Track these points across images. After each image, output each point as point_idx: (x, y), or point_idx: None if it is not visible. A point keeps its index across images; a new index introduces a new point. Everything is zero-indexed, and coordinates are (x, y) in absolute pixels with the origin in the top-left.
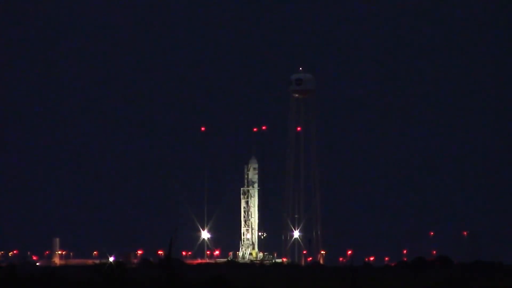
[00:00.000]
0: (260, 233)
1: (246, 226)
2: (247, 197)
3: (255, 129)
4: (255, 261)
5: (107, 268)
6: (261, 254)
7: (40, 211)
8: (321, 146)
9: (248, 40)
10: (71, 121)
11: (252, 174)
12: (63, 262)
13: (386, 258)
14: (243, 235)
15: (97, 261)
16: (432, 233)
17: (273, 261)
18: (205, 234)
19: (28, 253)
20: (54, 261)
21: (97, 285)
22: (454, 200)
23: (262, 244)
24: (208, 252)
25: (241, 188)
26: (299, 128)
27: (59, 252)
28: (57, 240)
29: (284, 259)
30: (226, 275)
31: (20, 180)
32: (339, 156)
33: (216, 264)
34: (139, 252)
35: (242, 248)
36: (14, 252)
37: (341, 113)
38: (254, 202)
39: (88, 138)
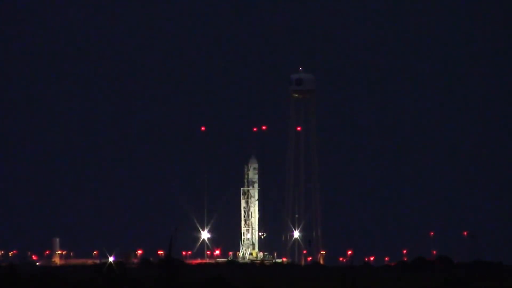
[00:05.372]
0: (260, 233)
1: (246, 226)
2: (247, 197)
3: (255, 129)
4: (255, 261)
5: (107, 268)
6: (261, 254)
7: (40, 211)
8: (321, 146)
9: (248, 40)
10: (71, 121)
11: (252, 174)
12: (63, 262)
13: (386, 258)
14: (243, 235)
15: (97, 261)
16: (432, 233)
17: (273, 261)
18: (205, 234)
19: (28, 253)
20: (54, 261)
21: (97, 285)
22: (454, 200)
23: (262, 244)
24: (208, 252)
25: (241, 188)
26: (299, 128)
27: (59, 252)
28: (57, 240)
29: (284, 259)
30: (226, 275)
31: (20, 180)
32: (339, 156)
33: (216, 264)
34: (139, 252)
35: (242, 248)
36: (14, 252)
37: (341, 113)
38: (254, 202)
39: (88, 138)
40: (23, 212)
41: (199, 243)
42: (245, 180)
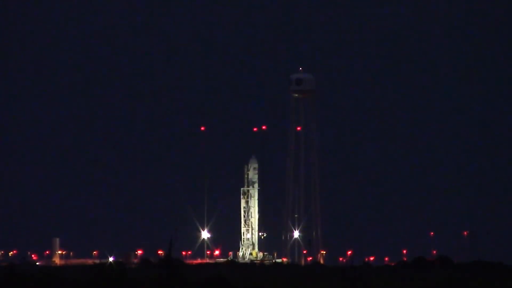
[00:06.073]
0: (260, 233)
1: (246, 226)
2: (247, 197)
3: (255, 129)
4: (255, 261)
5: (107, 268)
6: (261, 254)
7: (40, 211)
8: (321, 146)
9: (248, 40)
10: (71, 121)
11: (252, 174)
12: (63, 262)
13: (386, 258)
14: (243, 235)
15: (97, 261)
16: (432, 233)
17: (273, 261)
18: (205, 234)
19: (28, 253)
20: (54, 261)
21: (97, 285)
22: (454, 200)
23: (262, 244)
24: (208, 252)
25: (241, 188)
26: (299, 128)
27: (59, 252)
28: (57, 240)
29: (284, 259)
30: (226, 275)
31: (20, 180)
32: (339, 156)
33: (216, 263)
34: (139, 252)
35: (242, 248)
36: (14, 252)
37: (341, 113)
38: (254, 202)
39: (88, 138)
40: (23, 212)
41: (199, 243)
42: (245, 180)
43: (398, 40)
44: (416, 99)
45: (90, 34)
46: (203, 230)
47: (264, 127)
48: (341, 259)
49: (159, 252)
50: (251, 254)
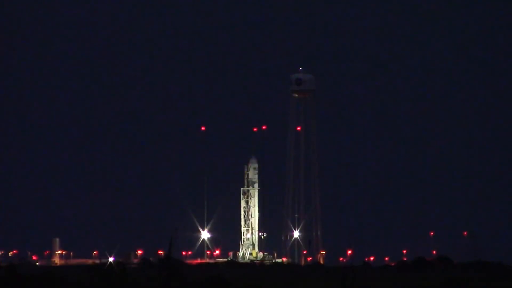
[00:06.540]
0: (260, 233)
1: (246, 226)
2: (247, 197)
3: (255, 129)
4: (255, 261)
5: (107, 268)
6: (261, 254)
7: (40, 211)
8: (321, 146)
9: (248, 40)
10: (71, 121)
11: (252, 174)
12: (63, 262)
13: (386, 258)
14: (243, 235)
15: (97, 261)
16: (432, 233)
17: (273, 261)
18: (205, 234)
19: (28, 253)
20: (54, 261)
21: (97, 285)
22: (454, 200)
23: (262, 244)
24: (208, 252)
25: (241, 188)
26: (299, 128)
27: (59, 252)
28: (57, 240)
29: (284, 259)
30: (226, 275)
31: (20, 180)
32: (339, 156)
33: (216, 263)
34: (139, 252)
35: (242, 248)
36: (14, 252)
37: (341, 113)
38: (254, 202)
39: (88, 137)
40: (23, 212)
41: (199, 243)
42: (245, 180)
43: (399, 39)
44: (417, 99)
45: (88, 32)
46: (203, 230)
47: (264, 127)
48: (341, 259)
49: (159, 252)
50: (251, 254)
